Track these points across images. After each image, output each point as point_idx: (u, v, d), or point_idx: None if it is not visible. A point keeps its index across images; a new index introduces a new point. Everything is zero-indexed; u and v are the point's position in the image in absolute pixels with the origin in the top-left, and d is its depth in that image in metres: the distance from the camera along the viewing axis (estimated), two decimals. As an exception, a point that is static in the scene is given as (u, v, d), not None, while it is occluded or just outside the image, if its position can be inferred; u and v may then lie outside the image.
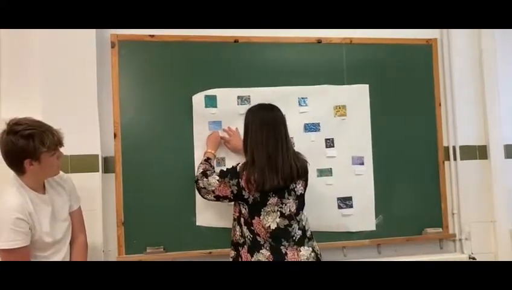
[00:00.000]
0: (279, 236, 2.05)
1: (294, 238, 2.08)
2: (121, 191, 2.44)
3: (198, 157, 2.47)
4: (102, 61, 2.47)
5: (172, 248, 2.46)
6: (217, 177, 2.15)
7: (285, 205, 2.08)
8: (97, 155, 2.39)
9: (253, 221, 2.06)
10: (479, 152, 2.88)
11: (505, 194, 2.84)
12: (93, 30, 2.42)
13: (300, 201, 2.14)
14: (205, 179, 2.18)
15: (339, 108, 2.68)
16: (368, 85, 2.73)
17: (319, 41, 2.71)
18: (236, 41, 2.61)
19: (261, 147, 2.04)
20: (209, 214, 2.49)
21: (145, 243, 2.44)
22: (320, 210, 2.57)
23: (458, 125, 2.84)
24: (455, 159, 2.84)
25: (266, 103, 2.22)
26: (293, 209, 2.09)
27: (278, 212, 2.06)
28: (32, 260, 1.84)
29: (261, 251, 2.04)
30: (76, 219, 2.10)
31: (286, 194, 2.08)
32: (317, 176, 2.60)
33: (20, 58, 2.42)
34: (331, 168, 2.64)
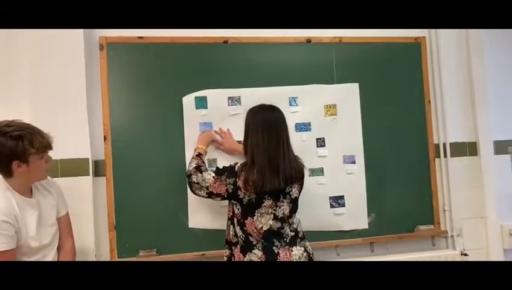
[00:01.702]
0: (270, 237, 2.05)
1: (285, 239, 2.08)
2: (112, 194, 2.42)
3: (190, 159, 2.46)
4: (91, 63, 2.45)
5: (165, 250, 2.45)
6: (213, 174, 2.11)
7: (279, 207, 2.07)
8: (87, 159, 2.37)
9: (245, 221, 2.06)
10: (469, 149, 2.90)
11: (496, 190, 2.87)
12: (81, 33, 2.40)
13: (294, 204, 2.14)
14: (199, 174, 2.15)
15: (330, 107, 2.68)
16: (357, 84, 2.74)
17: (309, 40, 2.71)
18: (225, 41, 2.61)
19: (262, 147, 2.02)
20: (202, 216, 2.48)
21: (137, 247, 2.43)
22: (312, 209, 2.58)
23: (448, 123, 2.86)
24: (445, 156, 2.86)
25: (267, 103, 2.19)
26: (287, 212, 2.09)
27: (272, 215, 2.06)
28: None
29: (253, 251, 2.03)
30: (64, 224, 2.07)
31: (281, 197, 2.08)
32: (309, 176, 2.60)
33: (7, 62, 2.39)
34: (322, 168, 2.64)
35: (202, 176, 2.13)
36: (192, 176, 2.17)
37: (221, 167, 2.18)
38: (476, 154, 2.90)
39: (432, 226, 2.79)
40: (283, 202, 2.08)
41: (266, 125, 2.06)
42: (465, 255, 2.77)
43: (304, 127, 2.63)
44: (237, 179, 2.05)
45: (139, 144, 2.47)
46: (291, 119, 2.61)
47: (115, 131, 2.46)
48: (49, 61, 2.36)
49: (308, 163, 2.56)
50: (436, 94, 2.88)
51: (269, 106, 2.17)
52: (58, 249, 2.02)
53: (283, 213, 2.08)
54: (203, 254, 2.47)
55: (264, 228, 2.04)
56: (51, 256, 1.95)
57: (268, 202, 2.05)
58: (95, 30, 2.47)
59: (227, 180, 2.07)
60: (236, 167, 2.09)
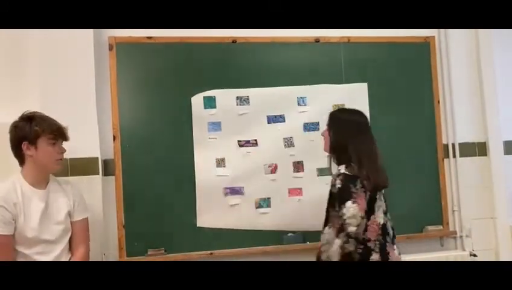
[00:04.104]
0: (384, 232, 2.01)
1: (390, 235, 2.05)
2: (121, 193, 2.44)
3: (198, 158, 2.49)
4: (100, 63, 2.46)
5: (173, 249, 2.46)
6: (350, 202, 1.89)
7: (383, 201, 2.05)
8: (97, 158, 2.38)
9: (368, 222, 1.96)
10: (478, 149, 2.88)
11: (505, 190, 2.85)
12: (91, 33, 2.41)
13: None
14: (349, 221, 1.89)
15: (338, 107, 2.68)
16: (366, 84, 2.73)
17: (317, 40, 2.71)
18: (234, 41, 2.61)
19: (365, 149, 2.01)
20: (210, 215, 2.49)
21: (146, 245, 2.44)
22: (320, 209, 2.56)
23: (457, 123, 2.85)
24: (454, 156, 2.84)
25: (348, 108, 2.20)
26: (385, 206, 2.07)
27: (382, 208, 2.03)
28: (14, 255, 1.82)
29: (371, 258, 1.94)
30: (79, 229, 2.04)
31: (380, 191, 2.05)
32: (317, 175, 2.61)
33: (18, 62, 2.41)
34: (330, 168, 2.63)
35: (349, 213, 1.88)
36: (349, 227, 1.89)
37: (338, 189, 1.98)
38: (486, 155, 2.88)
39: (441, 227, 2.78)
40: (381, 196, 2.06)
41: (364, 127, 2.08)
42: (474, 256, 2.75)
43: (312, 126, 2.63)
44: (358, 181, 1.96)
45: (148, 144, 2.49)
46: (300, 119, 2.62)
47: (124, 130, 2.47)
48: (59, 61, 2.38)
49: (317, 163, 2.59)
50: (445, 94, 2.87)
51: (353, 109, 2.19)
52: (71, 254, 2.01)
53: (385, 207, 2.06)
54: (211, 253, 2.48)
55: (381, 223, 2.00)
56: (54, 253, 1.92)
57: (379, 195, 2.02)
58: (105, 30, 2.49)
59: (357, 187, 1.94)
60: (348, 171, 1.99)
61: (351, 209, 1.89)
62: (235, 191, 2.53)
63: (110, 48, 2.48)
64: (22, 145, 1.84)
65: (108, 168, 2.46)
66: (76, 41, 2.39)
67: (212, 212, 2.49)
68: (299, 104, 2.63)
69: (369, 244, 1.96)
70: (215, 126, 2.53)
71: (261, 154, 2.58)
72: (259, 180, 2.57)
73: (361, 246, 1.93)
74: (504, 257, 2.81)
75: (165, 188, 2.48)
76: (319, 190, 2.57)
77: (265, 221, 2.56)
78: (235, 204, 2.53)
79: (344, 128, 2.09)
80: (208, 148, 2.52)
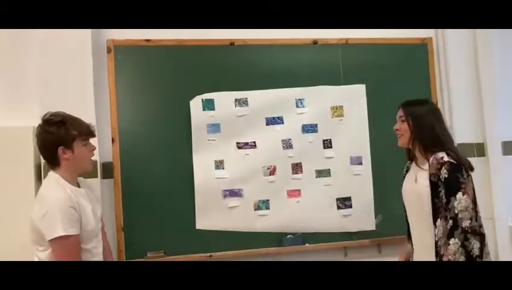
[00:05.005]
0: None
1: None
2: (120, 196, 2.44)
3: (197, 160, 2.49)
4: (99, 66, 2.47)
5: (172, 252, 2.46)
6: (459, 194, 1.78)
7: None
8: (95, 161, 2.37)
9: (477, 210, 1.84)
10: (476, 150, 2.88)
11: (504, 191, 2.84)
12: (89, 36, 2.41)
13: None
14: (461, 215, 1.78)
15: (336, 109, 2.68)
16: (364, 85, 2.73)
17: (315, 42, 2.72)
18: (232, 44, 2.62)
19: (448, 134, 1.99)
20: (209, 218, 2.49)
21: (145, 248, 2.44)
22: (319, 211, 2.58)
23: (455, 123, 2.85)
24: (453, 157, 2.84)
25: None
26: None
27: None
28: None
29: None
30: (102, 227, 2.07)
31: None
32: (316, 177, 2.61)
33: (17, 64, 2.42)
34: (329, 169, 2.64)
35: (460, 206, 1.78)
36: (463, 222, 1.77)
37: (446, 181, 1.84)
38: (484, 155, 2.88)
39: (440, 228, 2.78)
40: None
41: (439, 112, 2.06)
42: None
43: (310, 128, 2.63)
44: (464, 169, 1.86)
45: (146, 146, 2.49)
46: (298, 120, 2.62)
47: (122, 133, 2.47)
48: (57, 64, 2.38)
49: (315, 164, 2.60)
50: (443, 95, 2.87)
51: (421, 99, 2.13)
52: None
53: None
54: (211, 255, 2.47)
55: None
56: (100, 248, 1.94)
57: None
58: (103, 33, 2.49)
59: (464, 176, 1.83)
60: (451, 159, 1.86)
61: (463, 201, 1.78)
62: (233, 193, 2.54)
63: (109, 51, 2.49)
64: (58, 151, 1.82)
65: (107, 171, 2.46)
66: (74, 44, 2.39)
67: (211, 215, 2.49)
68: (297, 106, 2.64)
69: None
70: (214, 128, 2.54)
71: (260, 156, 2.58)
72: (258, 182, 2.57)
73: (481, 240, 1.77)
74: (504, 257, 2.80)
75: (164, 190, 2.48)
76: (317, 191, 2.58)
77: (264, 223, 2.56)
78: (234, 206, 2.53)
79: (427, 117, 2.01)
80: (206, 150, 2.52)
